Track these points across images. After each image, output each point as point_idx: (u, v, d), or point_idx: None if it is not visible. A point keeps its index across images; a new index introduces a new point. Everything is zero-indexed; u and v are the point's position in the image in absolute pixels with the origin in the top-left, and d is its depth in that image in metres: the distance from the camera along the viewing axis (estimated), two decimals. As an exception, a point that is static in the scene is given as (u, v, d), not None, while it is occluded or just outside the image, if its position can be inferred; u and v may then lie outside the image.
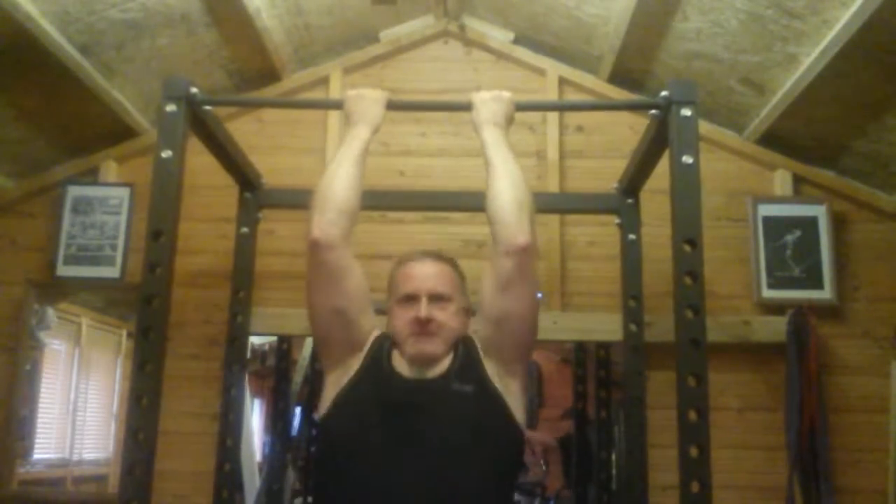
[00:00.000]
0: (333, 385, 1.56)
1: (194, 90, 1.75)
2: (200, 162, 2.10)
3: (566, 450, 4.18)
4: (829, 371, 2.45)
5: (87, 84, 2.36)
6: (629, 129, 2.61)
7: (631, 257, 2.29)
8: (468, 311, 1.64)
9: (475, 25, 2.83)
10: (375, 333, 1.61)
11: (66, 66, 2.24)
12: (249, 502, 3.16)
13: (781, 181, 2.60)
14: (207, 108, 1.85)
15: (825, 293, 2.49)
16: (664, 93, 1.70)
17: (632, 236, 2.30)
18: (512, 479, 1.61)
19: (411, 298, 1.56)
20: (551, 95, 2.73)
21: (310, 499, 3.28)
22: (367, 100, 1.68)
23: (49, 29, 2.11)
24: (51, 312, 2.63)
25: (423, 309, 1.53)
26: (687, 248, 1.60)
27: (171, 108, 1.72)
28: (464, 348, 1.56)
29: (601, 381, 2.83)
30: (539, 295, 2.58)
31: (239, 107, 2.77)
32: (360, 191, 1.56)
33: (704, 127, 2.61)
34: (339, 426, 1.53)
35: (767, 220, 2.55)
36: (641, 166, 2.08)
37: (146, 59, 2.43)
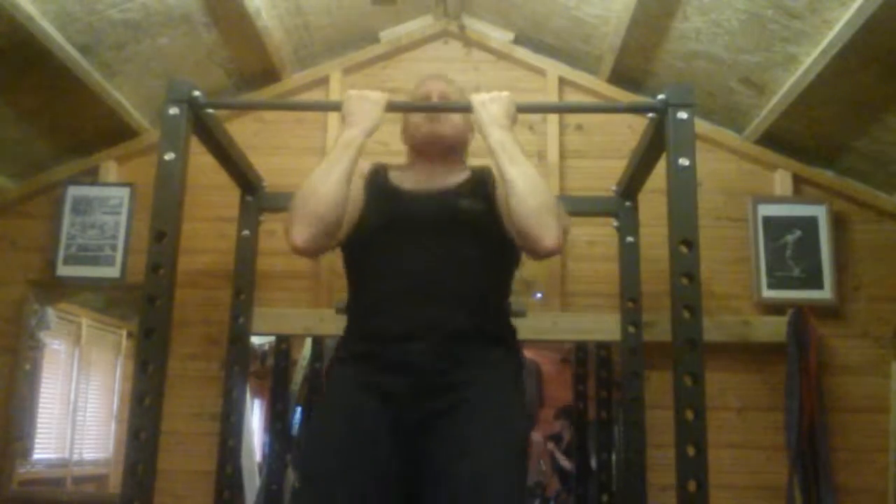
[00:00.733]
0: (348, 224, 1.59)
1: (197, 93, 1.76)
2: (201, 162, 2.09)
3: (557, 445, 4.19)
4: (829, 371, 2.46)
5: (87, 84, 2.36)
6: (628, 129, 2.62)
7: (629, 260, 2.30)
8: (471, 128, 1.74)
9: (475, 25, 2.84)
10: (366, 168, 1.69)
11: (66, 66, 2.25)
12: (249, 502, 3.16)
13: (781, 181, 2.61)
14: (210, 110, 1.85)
15: (825, 293, 2.49)
16: (661, 96, 1.71)
17: (630, 239, 2.31)
18: (510, 281, 1.70)
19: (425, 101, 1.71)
20: (551, 95, 2.73)
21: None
22: (368, 102, 1.68)
23: (49, 29, 2.11)
24: (51, 312, 2.63)
25: (436, 92, 1.72)
26: (683, 249, 1.61)
27: (173, 110, 1.72)
28: (480, 174, 1.66)
29: (602, 381, 2.81)
30: (538, 295, 2.61)
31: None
32: (347, 201, 1.53)
33: (705, 127, 2.62)
34: (352, 242, 1.60)
35: (767, 220, 2.55)
36: (639, 169, 2.08)
37: (146, 59, 2.43)
